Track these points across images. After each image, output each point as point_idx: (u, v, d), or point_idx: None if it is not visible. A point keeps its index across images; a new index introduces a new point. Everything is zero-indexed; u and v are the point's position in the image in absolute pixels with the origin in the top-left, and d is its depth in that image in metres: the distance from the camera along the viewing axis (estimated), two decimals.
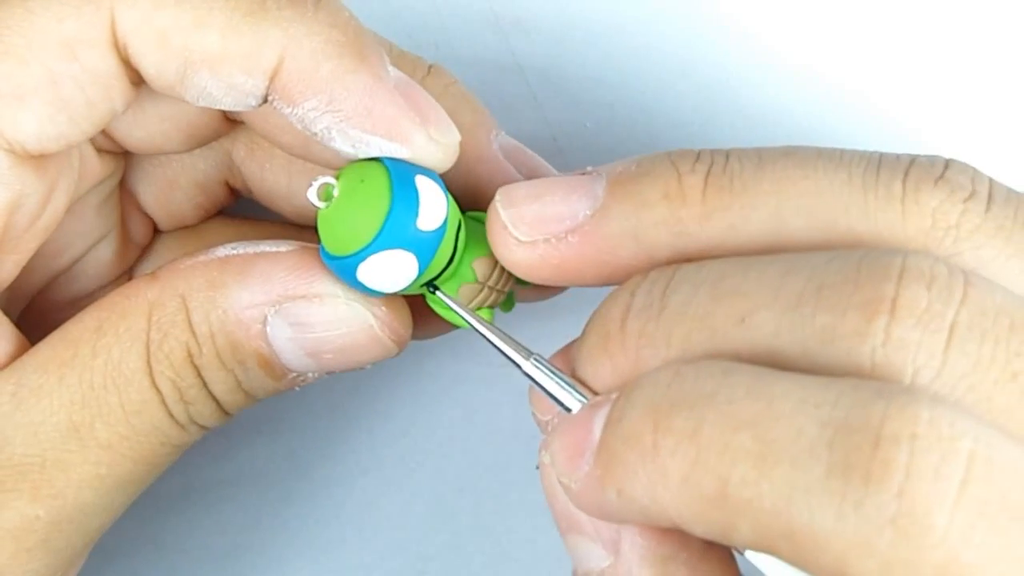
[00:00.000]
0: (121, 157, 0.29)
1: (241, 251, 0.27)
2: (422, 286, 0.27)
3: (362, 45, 0.26)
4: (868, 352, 0.21)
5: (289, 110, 0.25)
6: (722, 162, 0.24)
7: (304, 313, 0.26)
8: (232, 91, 0.25)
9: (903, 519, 0.19)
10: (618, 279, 0.25)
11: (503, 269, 0.27)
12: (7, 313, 0.27)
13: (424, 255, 0.26)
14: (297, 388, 0.27)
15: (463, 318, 0.26)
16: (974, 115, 0.35)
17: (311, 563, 0.36)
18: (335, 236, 0.25)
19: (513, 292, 0.29)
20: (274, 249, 0.27)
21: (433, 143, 0.26)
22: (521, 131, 0.32)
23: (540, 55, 0.34)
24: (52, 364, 0.26)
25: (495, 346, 0.26)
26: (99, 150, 0.28)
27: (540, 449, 0.24)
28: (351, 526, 0.36)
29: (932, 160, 0.23)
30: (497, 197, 0.25)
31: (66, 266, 0.30)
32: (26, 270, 0.27)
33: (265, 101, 0.26)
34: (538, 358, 0.25)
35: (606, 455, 0.22)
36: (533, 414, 0.26)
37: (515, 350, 0.25)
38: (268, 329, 0.26)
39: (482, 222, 0.27)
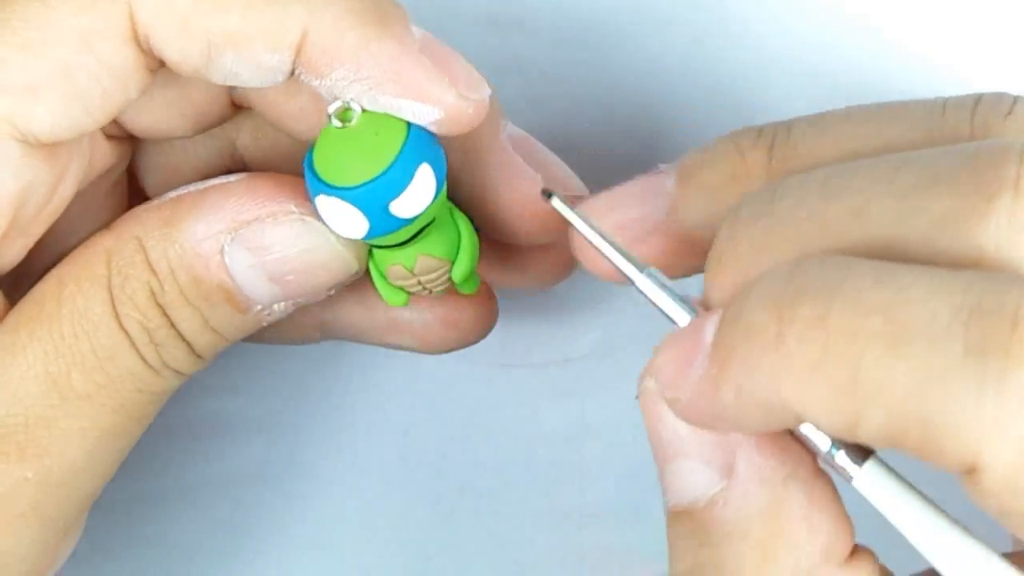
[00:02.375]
0: (128, 143, 0.29)
1: (192, 188, 0.27)
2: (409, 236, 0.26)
3: (383, 11, 0.25)
4: (992, 233, 0.20)
5: (317, 82, 0.25)
6: (784, 133, 0.24)
7: (261, 235, 0.26)
8: (259, 69, 0.25)
9: None
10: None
11: (445, 276, 0.27)
12: (11, 296, 0.27)
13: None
14: (265, 324, 0.27)
15: (578, 222, 0.25)
16: None
17: (311, 563, 0.36)
18: (340, 161, 0.25)
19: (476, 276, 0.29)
20: (223, 181, 0.27)
21: (464, 100, 0.25)
22: None
23: (540, 55, 0.34)
24: (21, 321, 0.26)
25: (606, 256, 0.25)
26: (108, 136, 0.28)
27: (641, 377, 0.24)
28: (351, 526, 0.36)
29: (999, 97, 0.23)
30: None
31: (71, 248, 0.30)
32: (32, 252, 0.27)
33: (292, 75, 0.26)
34: (652, 271, 0.24)
35: (723, 353, 0.21)
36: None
37: (628, 261, 0.25)
38: (227, 259, 0.26)
39: (458, 228, 0.27)
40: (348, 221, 0.25)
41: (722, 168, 0.24)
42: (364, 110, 0.26)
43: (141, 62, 0.26)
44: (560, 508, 0.34)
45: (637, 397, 0.24)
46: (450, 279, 0.28)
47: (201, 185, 0.27)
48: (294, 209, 0.26)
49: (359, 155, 0.25)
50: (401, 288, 0.28)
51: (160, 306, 0.26)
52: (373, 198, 0.25)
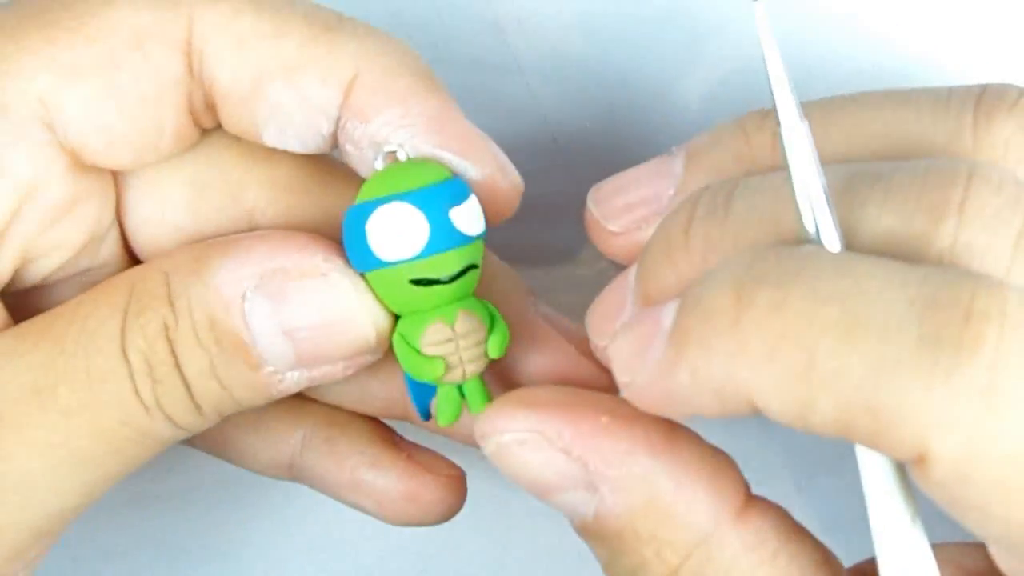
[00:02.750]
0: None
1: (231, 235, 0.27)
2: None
3: (430, 71, 0.26)
4: (935, 256, 0.21)
5: (361, 128, 0.25)
6: None
7: (283, 286, 0.25)
8: (305, 104, 0.25)
9: (992, 392, 0.18)
10: None
11: (481, 347, 0.26)
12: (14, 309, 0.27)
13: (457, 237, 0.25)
14: (274, 396, 0.26)
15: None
16: None
17: (311, 563, 0.36)
18: (381, 181, 0.25)
19: (484, 388, 0.27)
20: (261, 231, 0.27)
21: (502, 170, 0.26)
22: (521, 132, 0.32)
23: (540, 55, 0.34)
24: (31, 331, 0.26)
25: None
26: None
27: (489, 433, 0.24)
28: (351, 526, 0.36)
29: (1005, 88, 0.23)
30: (588, 197, 0.26)
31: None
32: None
33: (336, 128, 0.26)
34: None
35: (680, 335, 0.21)
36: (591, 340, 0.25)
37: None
38: (247, 306, 0.25)
39: (487, 305, 0.27)
40: (407, 230, 0.25)
41: (729, 149, 0.25)
42: (409, 157, 0.25)
43: (186, 82, 0.25)
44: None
45: (488, 454, 0.24)
46: (485, 355, 0.27)
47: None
48: (321, 263, 0.25)
49: (415, 173, 0.25)
50: (436, 357, 0.26)
51: (169, 341, 0.25)
52: (437, 200, 0.25)
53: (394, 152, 0.25)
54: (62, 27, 0.25)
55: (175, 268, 0.26)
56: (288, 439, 0.30)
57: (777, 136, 0.23)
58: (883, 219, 0.21)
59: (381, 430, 0.31)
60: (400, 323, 0.26)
